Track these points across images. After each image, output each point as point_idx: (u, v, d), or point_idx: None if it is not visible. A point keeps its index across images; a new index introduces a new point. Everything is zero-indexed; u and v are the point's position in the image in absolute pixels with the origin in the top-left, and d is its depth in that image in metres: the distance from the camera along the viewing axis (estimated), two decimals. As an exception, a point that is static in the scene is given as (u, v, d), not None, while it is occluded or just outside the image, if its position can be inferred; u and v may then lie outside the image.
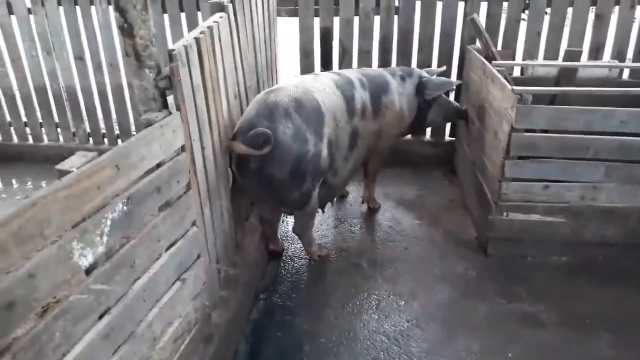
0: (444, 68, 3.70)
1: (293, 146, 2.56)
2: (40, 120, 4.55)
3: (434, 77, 3.43)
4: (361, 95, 3.03)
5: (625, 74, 3.99)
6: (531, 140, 2.79)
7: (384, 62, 4.10)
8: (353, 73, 3.15)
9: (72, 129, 4.52)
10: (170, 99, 1.93)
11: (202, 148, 2.15)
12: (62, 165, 1.41)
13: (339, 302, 2.77)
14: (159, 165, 1.76)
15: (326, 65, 4.16)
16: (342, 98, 2.90)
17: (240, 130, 2.56)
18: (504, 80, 2.89)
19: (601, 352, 2.42)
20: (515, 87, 2.71)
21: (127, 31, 1.80)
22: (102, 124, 4.52)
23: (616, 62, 3.74)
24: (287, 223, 3.50)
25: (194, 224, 2.03)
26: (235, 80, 2.71)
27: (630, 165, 2.80)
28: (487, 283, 2.89)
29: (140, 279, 1.67)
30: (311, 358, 2.42)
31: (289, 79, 2.99)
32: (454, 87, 3.64)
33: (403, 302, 2.76)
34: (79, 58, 4.25)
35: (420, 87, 3.35)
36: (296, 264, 3.11)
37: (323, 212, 3.35)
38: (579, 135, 2.77)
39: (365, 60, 4.10)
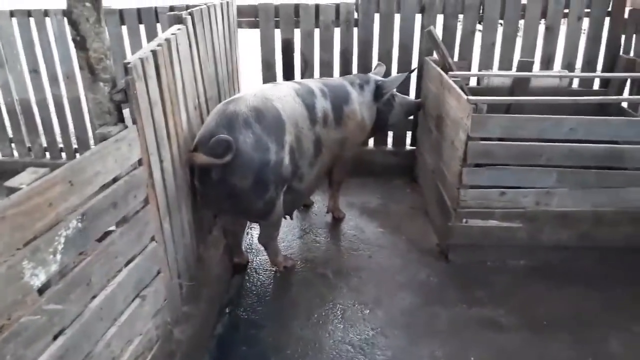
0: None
1: (254, 155, 2.55)
2: (-6, 135, 4.40)
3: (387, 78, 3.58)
4: (322, 104, 3.04)
5: (575, 84, 4.17)
6: (487, 148, 2.87)
7: (345, 73, 4.14)
8: (314, 82, 3.18)
9: (28, 144, 4.39)
10: (127, 112, 1.90)
11: (161, 161, 2.12)
12: (12, 182, 1.37)
13: (304, 313, 2.77)
14: (115, 180, 1.73)
15: (288, 76, 4.18)
16: (303, 106, 2.91)
17: (200, 142, 2.54)
18: (460, 91, 2.96)
19: (560, 352, 2.49)
20: (470, 97, 2.79)
21: (80, 44, 1.77)
22: (59, 138, 4.40)
23: (566, 72, 3.91)
24: (252, 235, 3.48)
25: (153, 239, 1.99)
26: (195, 91, 2.69)
27: (580, 170, 2.91)
28: (448, 289, 2.94)
29: (97, 297, 1.63)
30: (276, 371, 2.41)
31: (250, 88, 2.98)
32: (405, 77, 3.62)
33: (368, 311, 2.78)
34: (34, 71, 4.14)
35: (378, 90, 3.45)
36: (261, 277, 3.09)
37: (291, 218, 3.34)
38: (532, 142, 2.87)
39: (326, 71, 4.14)
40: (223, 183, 2.55)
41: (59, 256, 1.41)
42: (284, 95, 2.86)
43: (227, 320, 2.74)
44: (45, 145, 4.41)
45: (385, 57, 4.08)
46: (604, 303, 2.79)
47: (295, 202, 3.10)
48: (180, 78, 2.41)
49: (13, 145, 4.43)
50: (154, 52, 2.06)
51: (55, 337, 1.43)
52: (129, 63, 1.84)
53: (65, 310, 1.45)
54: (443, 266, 3.14)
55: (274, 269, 3.12)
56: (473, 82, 3.98)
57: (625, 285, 2.91)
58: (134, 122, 1.87)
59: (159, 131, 2.09)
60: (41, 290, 1.38)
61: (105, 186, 1.66)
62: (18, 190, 1.29)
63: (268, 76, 4.19)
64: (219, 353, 2.51)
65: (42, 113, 4.28)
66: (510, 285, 2.95)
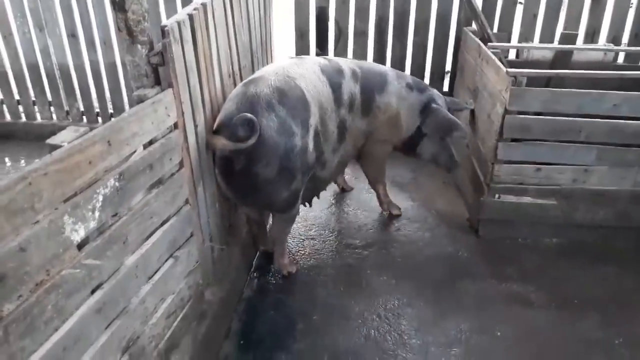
0: (472, 106, 3.37)
1: (279, 140, 2.32)
2: (33, 99, 4.51)
3: (447, 111, 3.11)
4: (350, 86, 2.80)
5: (621, 58, 3.99)
6: (524, 123, 2.79)
7: (380, 44, 4.08)
8: (347, 62, 2.94)
9: (66, 107, 4.49)
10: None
11: (195, 126, 2.14)
12: (53, 140, 1.41)
13: (331, 282, 2.80)
14: (151, 142, 1.76)
15: (322, 46, 4.13)
16: (328, 84, 2.67)
17: (220, 127, 2.32)
18: (498, 62, 2.88)
19: (588, 331, 2.46)
20: (509, 69, 2.71)
21: (119, 5, 1.78)
22: (95, 103, 4.49)
23: (612, 46, 3.73)
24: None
25: (186, 202, 2.03)
26: (229, 59, 2.69)
27: (621, 148, 2.81)
28: (478, 264, 2.92)
29: (132, 255, 1.68)
30: (303, 336, 2.45)
31: (271, 65, 2.77)
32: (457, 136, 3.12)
33: (394, 282, 2.79)
34: (72, 35, 4.20)
35: (426, 110, 3.07)
36: (290, 243, 3.12)
37: (310, 206, 3.08)
38: (571, 118, 2.77)
39: (361, 41, 4.08)
40: (246, 173, 2.33)
41: (97, 213, 1.46)
42: (307, 73, 2.61)
43: (256, 284, 2.80)
44: (82, 109, 4.50)
45: (422, 28, 3.98)
46: (638, 284, 2.73)
47: (315, 191, 2.92)
48: (215, 44, 2.40)
49: (52, 108, 4.54)
50: (190, 16, 2.06)
51: (93, 291, 1.49)
52: (166, 26, 1.85)
53: (102, 266, 1.50)
54: (473, 241, 3.11)
55: (302, 237, 3.15)
56: (512, 55, 3.86)
57: (662, 268, 2.84)
58: (170, 85, 1.88)
59: (194, 95, 2.11)
60: (80, 246, 1.43)
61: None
62: (60, 148, 1.33)
63: (301, 45, 4.15)
64: (247, 316, 2.58)
65: (80, 77, 4.36)
66: (542, 263, 2.91)
